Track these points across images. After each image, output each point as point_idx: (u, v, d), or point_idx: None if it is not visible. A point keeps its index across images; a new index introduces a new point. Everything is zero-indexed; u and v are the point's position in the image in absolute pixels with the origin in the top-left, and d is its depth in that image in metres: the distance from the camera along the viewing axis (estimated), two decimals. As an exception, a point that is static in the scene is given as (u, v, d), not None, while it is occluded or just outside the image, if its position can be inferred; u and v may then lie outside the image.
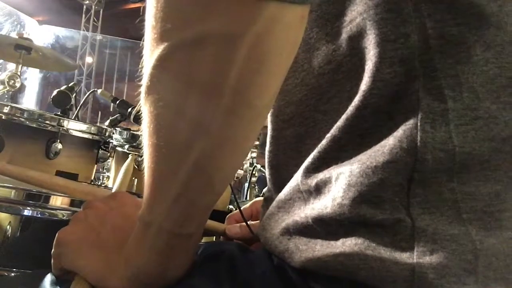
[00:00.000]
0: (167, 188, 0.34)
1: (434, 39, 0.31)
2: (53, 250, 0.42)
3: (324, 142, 0.35)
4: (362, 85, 0.33)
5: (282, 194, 0.39)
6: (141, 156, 1.28)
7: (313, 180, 0.35)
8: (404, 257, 0.30)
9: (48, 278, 0.42)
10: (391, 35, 0.32)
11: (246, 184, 2.08)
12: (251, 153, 2.17)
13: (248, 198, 2.04)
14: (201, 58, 0.28)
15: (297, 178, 0.37)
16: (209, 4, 0.27)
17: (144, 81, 0.31)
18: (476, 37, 0.31)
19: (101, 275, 0.38)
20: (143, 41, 0.31)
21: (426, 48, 0.31)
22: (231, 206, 1.29)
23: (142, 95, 0.32)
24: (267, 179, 0.45)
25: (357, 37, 0.34)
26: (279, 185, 0.41)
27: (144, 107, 0.32)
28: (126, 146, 1.35)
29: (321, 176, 0.35)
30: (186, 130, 0.31)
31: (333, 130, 0.35)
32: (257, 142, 1.92)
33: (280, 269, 0.37)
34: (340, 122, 0.34)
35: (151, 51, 0.30)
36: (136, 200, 0.47)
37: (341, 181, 0.33)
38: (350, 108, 0.34)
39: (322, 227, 0.33)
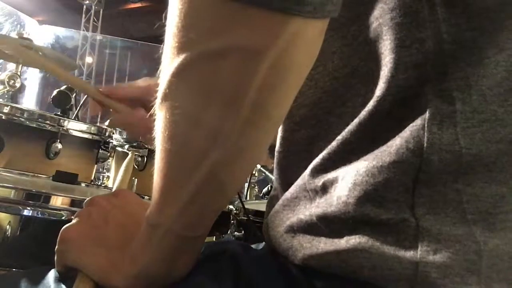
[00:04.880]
0: (178, 193, 0.33)
1: (448, 43, 0.31)
2: (56, 246, 0.42)
3: (334, 144, 0.35)
4: (377, 91, 0.33)
5: (288, 193, 0.39)
6: (141, 156, 1.29)
7: (320, 180, 0.35)
8: (407, 256, 0.30)
9: (52, 275, 0.42)
10: (407, 41, 0.32)
11: (246, 184, 2.08)
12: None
13: (248, 198, 2.04)
14: (223, 69, 0.28)
15: (304, 177, 0.37)
16: (234, 17, 0.27)
17: (162, 87, 0.31)
18: (489, 40, 0.31)
19: (105, 273, 0.38)
20: (162, 45, 0.31)
21: (440, 53, 0.31)
22: (231, 206, 1.29)
23: (158, 100, 0.32)
24: (274, 179, 0.45)
25: (374, 42, 0.34)
26: (286, 185, 0.41)
27: (160, 112, 0.32)
28: (126, 146, 1.35)
29: (328, 176, 0.35)
30: (202, 139, 0.31)
31: (345, 133, 0.34)
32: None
33: (283, 268, 0.37)
34: (352, 126, 0.34)
35: (171, 59, 0.30)
36: (139, 199, 0.47)
37: (347, 180, 0.33)
38: (363, 113, 0.33)
39: (326, 225, 0.34)
